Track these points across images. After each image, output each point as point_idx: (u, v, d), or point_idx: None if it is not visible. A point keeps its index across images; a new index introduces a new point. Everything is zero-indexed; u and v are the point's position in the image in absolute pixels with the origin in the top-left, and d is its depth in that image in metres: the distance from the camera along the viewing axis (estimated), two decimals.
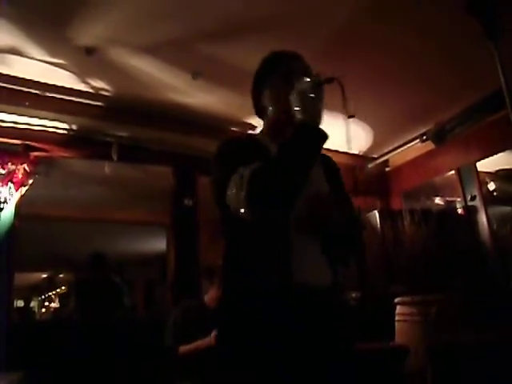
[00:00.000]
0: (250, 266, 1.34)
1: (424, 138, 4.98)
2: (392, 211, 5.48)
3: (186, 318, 2.94)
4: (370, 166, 5.71)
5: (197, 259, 4.52)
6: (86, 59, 3.38)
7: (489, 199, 4.72)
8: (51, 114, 3.89)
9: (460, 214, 4.89)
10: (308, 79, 1.33)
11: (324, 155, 1.64)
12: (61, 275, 12.41)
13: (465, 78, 3.87)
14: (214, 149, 1.50)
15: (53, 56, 3.37)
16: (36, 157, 4.04)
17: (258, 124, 1.48)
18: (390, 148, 5.46)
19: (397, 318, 3.94)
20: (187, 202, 4.58)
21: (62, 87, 3.78)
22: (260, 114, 1.63)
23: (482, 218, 4.52)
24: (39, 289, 13.16)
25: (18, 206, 3.88)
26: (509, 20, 1.44)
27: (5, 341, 3.34)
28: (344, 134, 4.22)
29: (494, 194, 5.19)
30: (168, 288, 4.72)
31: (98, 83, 3.78)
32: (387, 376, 3.12)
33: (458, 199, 4.92)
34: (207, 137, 4.24)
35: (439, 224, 4.71)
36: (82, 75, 3.66)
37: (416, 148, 5.24)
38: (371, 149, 5.46)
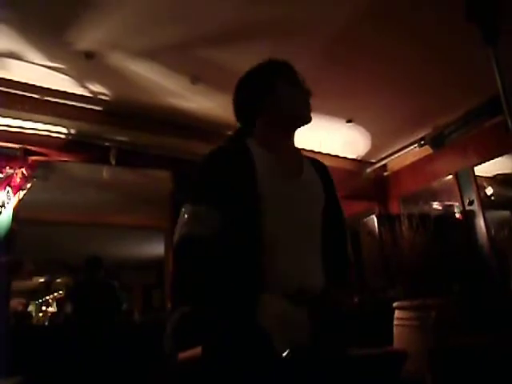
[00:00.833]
0: (226, 270, 1.32)
1: (422, 142, 5.00)
2: (390, 215, 5.48)
3: (184, 322, 2.93)
4: (368, 170, 5.72)
5: None
6: (85, 64, 3.39)
7: (487, 204, 4.73)
8: (50, 119, 3.89)
9: (458, 219, 4.90)
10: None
11: (316, 160, 1.61)
12: (58, 280, 12.37)
13: (463, 83, 3.89)
14: None
15: (52, 60, 3.38)
16: (34, 161, 4.03)
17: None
18: (389, 153, 5.48)
19: (395, 323, 3.94)
20: None
21: (61, 92, 3.79)
22: (249, 116, 1.56)
23: (480, 223, 4.53)
24: (37, 293, 13.12)
25: (15, 210, 3.87)
26: (507, 26, 1.46)
27: (3, 346, 3.32)
28: (342, 140, 4.26)
29: (492, 198, 5.20)
30: (166, 292, 4.71)
31: (97, 88, 3.79)
32: (385, 381, 3.11)
33: (456, 204, 4.93)
34: (206, 141, 4.24)
35: (437, 228, 4.71)
36: (81, 80, 3.67)
37: (414, 153, 5.26)
38: (369, 154, 5.48)
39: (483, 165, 4.63)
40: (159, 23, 3.08)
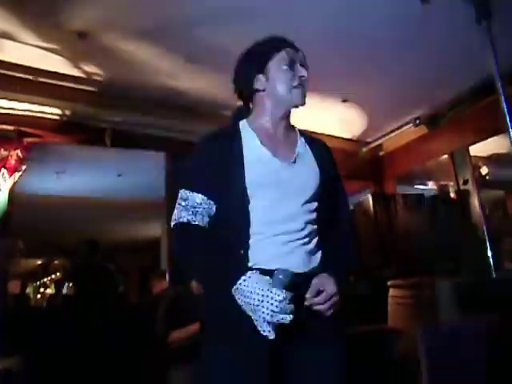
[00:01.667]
0: (216, 252, 1.36)
1: (417, 122, 5.00)
2: (385, 195, 5.51)
3: (176, 305, 2.96)
4: (363, 150, 5.72)
5: None
6: (78, 44, 3.35)
7: (481, 183, 4.76)
8: (44, 100, 3.86)
9: (453, 198, 4.93)
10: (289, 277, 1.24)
11: (318, 140, 1.61)
12: (55, 261, 12.42)
13: (458, 62, 3.87)
14: None
15: (45, 41, 3.34)
16: (29, 143, 4.01)
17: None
18: (384, 132, 5.48)
19: (390, 301, 3.98)
20: None
21: (55, 72, 3.76)
22: (246, 94, 1.58)
23: (475, 202, 4.56)
24: (34, 275, 13.16)
25: (11, 192, 3.87)
26: (500, 5, 1.45)
27: (1, 326, 3.35)
28: (338, 119, 4.25)
29: (487, 178, 5.23)
30: (160, 274, 4.73)
31: (91, 68, 3.76)
32: (379, 359, 3.16)
33: (451, 183, 4.95)
34: (200, 121, 4.24)
35: (432, 208, 4.75)
36: (74, 60, 3.63)
37: (409, 132, 5.26)
38: (365, 133, 5.47)
39: (478, 144, 4.64)
40: (152, 2, 3.04)
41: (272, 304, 1.17)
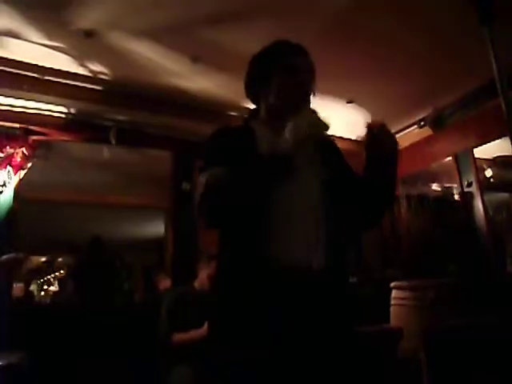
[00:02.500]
0: (231, 251, 1.37)
1: (422, 123, 5.00)
2: None
3: (179, 305, 2.97)
4: None
5: (195, 243, 4.55)
6: (85, 43, 3.37)
7: (485, 186, 4.74)
8: (50, 98, 3.88)
9: (456, 200, 4.92)
10: (316, 115, 1.31)
11: (324, 138, 1.60)
12: (60, 259, 12.45)
13: (463, 64, 3.87)
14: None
15: (51, 39, 3.36)
16: (35, 140, 4.04)
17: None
18: None
19: (392, 303, 3.98)
20: (185, 186, 4.59)
21: (61, 71, 3.78)
22: (254, 99, 1.63)
23: (478, 205, 4.54)
24: (38, 272, 13.20)
25: (16, 190, 3.90)
26: (502, 7, 1.46)
27: (6, 322, 3.38)
28: (343, 120, 4.25)
29: (491, 180, 5.21)
30: (166, 272, 4.75)
31: (97, 67, 3.78)
32: (380, 359, 3.17)
33: (455, 185, 4.94)
34: (206, 121, 4.24)
35: (436, 210, 4.74)
36: (80, 59, 3.65)
37: (414, 134, 5.24)
38: None
39: (483, 147, 4.63)
40: (159, 2, 3.05)
41: None
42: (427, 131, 5.03)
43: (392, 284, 4.06)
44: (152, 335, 3.06)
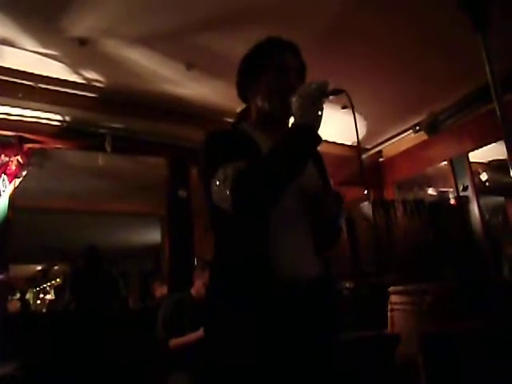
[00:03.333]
0: (230, 260, 1.33)
1: (417, 128, 5.01)
2: (385, 201, 5.50)
3: (176, 311, 2.97)
4: (363, 156, 5.73)
5: (191, 250, 4.54)
6: (79, 50, 3.36)
7: (481, 189, 4.76)
8: (45, 106, 3.87)
9: (452, 204, 4.93)
10: (316, 86, 1.29)
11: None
12: (55, 267, 12.42)
13: (458, 69, 3.89)
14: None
15: (46, 47, 3.36)
16: (29, 148, 4.03)
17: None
18: (384, 139, 5.49)
19: (390, 307, 3.98)
20: (181, 193, 4.59)
21: (56, 78, 3.77)
22: (245, 99, 1.58)
23: (474, 208, 4.56)
24: (34, 281, 13.17)
25: (11, 198, 3.88)
26: (496, 13, 1.46)
27: (1, 332, 3.35)
28: (338, 125, 4.25)
29: (487, 184, 5.23)
30: (163, 279, 4.74)
31: (92, 74, 3.78)
32: (378, 365, 3.16)
33: (451, 189, 4.95)
34: (201, 128, 4.24)
35: (432, 214, 4.74)
36: (75, 66, 3.65)
37: (409, 139, 5.26)
38: (365, 140, 5.48)
39: (478, 151, 4.65)
40: (153, 9, 3.05)
41: None
42: (423, 136, 5.05)
43: (390, 289, 4.05)
44: (149, 342, 3.05)
